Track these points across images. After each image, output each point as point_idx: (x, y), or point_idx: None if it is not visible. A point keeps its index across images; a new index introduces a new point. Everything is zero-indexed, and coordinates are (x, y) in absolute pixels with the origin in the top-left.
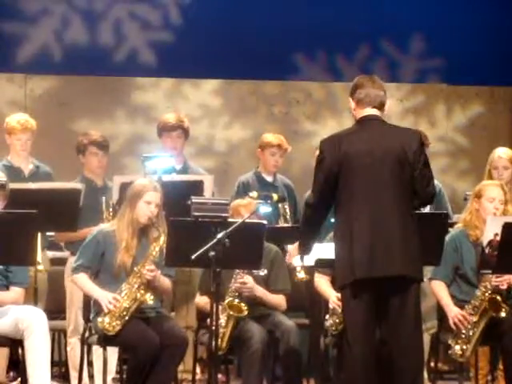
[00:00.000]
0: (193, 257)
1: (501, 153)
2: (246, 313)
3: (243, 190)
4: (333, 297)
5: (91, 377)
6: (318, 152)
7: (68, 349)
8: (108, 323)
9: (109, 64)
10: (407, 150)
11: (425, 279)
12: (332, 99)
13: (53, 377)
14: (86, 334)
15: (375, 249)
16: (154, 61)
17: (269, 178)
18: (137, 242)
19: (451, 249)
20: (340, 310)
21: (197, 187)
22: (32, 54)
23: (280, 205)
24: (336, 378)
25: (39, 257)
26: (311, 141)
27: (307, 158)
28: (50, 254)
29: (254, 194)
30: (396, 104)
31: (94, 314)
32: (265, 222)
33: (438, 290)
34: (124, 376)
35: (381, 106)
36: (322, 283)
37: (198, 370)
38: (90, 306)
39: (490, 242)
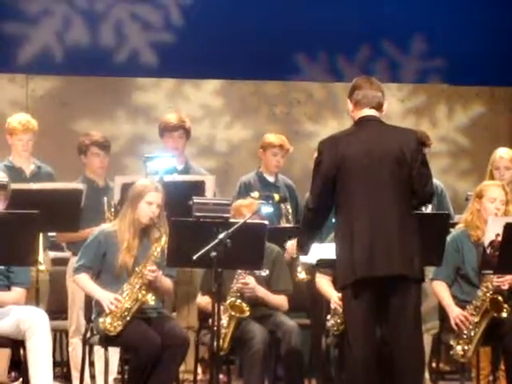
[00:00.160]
0: (194, 257)
1: (502, 153)
2: (247, 313)
3: (245, 191)
4: (334, 297)
5: (93, 377)
6: (316, 154)
7: (70, 349)
8: (109, 324)
9: (110, 64)
10: (405, 150)
11: (426, 279)
12: (333, 99)
13: (54, 377)
14: (88, 335)
15: (375, 248)
16: (155, 61)
17: (270, 179)
18: (138, 243)
19: (452, 249)
20: (341, 311)
21: (198, 187)
22: (33, 55)
23: (282, 205)
24: (338, 378)
25: (41, 257)
26: (312, 141)
27: (308, 159)
28: (52, 254)
29: (256, 194)
30: (397, 104)
31: (96, 314)
32: (266, 222)
33: (440, 290)
34: (125, 376)
35: (379, 107)
36: (324, 283)
37: (199, 370)
38: (92, 307)
39: (491, 243)
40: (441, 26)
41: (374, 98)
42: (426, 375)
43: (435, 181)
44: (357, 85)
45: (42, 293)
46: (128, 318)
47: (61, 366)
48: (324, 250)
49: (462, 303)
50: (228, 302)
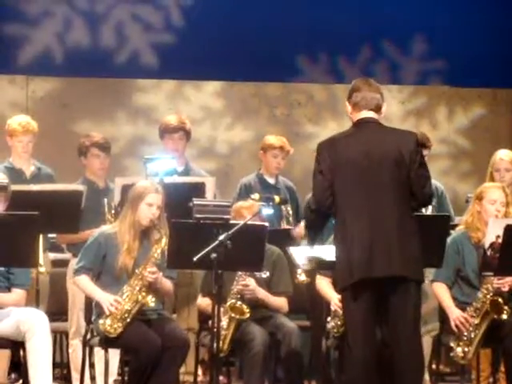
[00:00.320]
0: (195, 259)
1: (502, 155)
2: (248, 315)
3: (245, 192)
4: (334, 299)
5: (93, 379)
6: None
7: (70, 351)
8: (109, 325)
9: (110, 66)
10: (404, 152)
11: (426, 281)
12: (334, 101)
13: (54, 379)
14: (88, 336)
15: (374, 250)
16: (156, 63)
17: (271, 180)
18: (138, 244)
19: (453, 251)
20: (342, 312)
21: (198, 189)
22: (34, 56)
23: (282, 207)
24: (338, 380)
25: (40, 259)
26: (313, 143)
27: (309, 160)
28: (52, 255)
29: (256, 195)
30: (398, 106)
31: (96, 315)
32: (267, 224)
33: (440, 292)
34: (126, 378)
35: (377, 109)
36: (324, 285)
37: (199, 371)
38: (92, 308)
39: (491, 244)
40: (442, 27)
41: (373, 99)
42: (426, 377)
43: (435, 182)
44: (355, 87)
45: (42, 294)
46: (128, 320)
47: (61, 368)
48: (324, 251)
49: (462, 305)
50: (228, 303)
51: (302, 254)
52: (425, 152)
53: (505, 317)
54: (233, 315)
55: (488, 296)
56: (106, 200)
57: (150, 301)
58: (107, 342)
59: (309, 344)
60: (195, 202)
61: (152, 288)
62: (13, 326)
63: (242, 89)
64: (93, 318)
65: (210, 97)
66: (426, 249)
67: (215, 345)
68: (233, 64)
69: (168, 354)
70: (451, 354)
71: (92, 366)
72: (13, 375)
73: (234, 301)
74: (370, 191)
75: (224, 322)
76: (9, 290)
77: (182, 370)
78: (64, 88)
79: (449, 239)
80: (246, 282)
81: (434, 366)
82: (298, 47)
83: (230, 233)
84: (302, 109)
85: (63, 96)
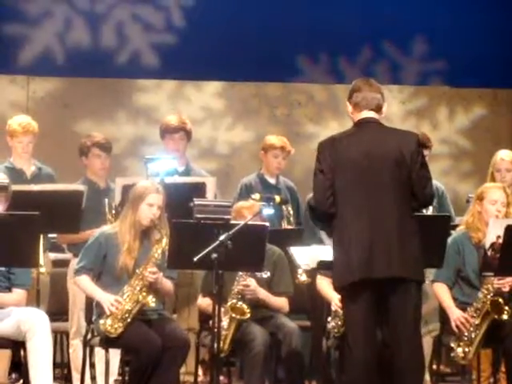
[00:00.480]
0: (195, 259)
1: (503, 155)
2: (248, 315)
3: (246, 192)
4: (335, 299)
5: (93, 379)
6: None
7: (70, 350)
8: (110, 325)
9: (111, 66)
10: (405, 152)
11: (427, 281)
12: (334, 101)
13: (55, 379)
14: (89, 336)
15: (374, 250)
16: (157, 63)
17: (272, 180)
18: (139, 244)
19: (453, 251)
20: (342, 312)
21: (199, 189)
22: (34, 56)
23: (283, 207)
24: (338, 380)
25: (41, 259)
26: (313, 143)
27: (309, 160)
28: (53, 255)
29: (257, 196)
30: (398, 106)
31: (96, 316)
32: (267, 224)
33: (440, 292)
34: (126, 378)
35: (378, 109)
36: (324, 285)
37: (200, 372)
38: (93, 308)
39: (492, 245)
40: (442, 27)
41: (373, 99)
42: (427, 377)
43: (436, 183)
44: (356, 87)
45: (43, 294)
46: (129, 320)
47: (61, 368)
48: (325, 251)
49: (462, 305)
50: (229, 304)
51: (303, 254)
52: (425, 152)
53: (505, 317)
54: (233, 315)
55: (488, 296)
56: (106, 200)
57: (151, 301)
58: (108, 342)
59: (309, 344)
60: (196, 202)
61: (152, 288)
62: (13, 326)
63: (243, 89)
64: (93, 318)
65: (210, 97)
66: (427, 249)
67: (216, 345)
68: (233, 64)
69: (168, 354)
70: (452, 355)
71: (92, 365)
72: (13, 375)
73: (234, 301)
74: (370, 191)
75: (224, 322)
76: (9, 290)
77: (183, 370)
78: (65, 88)
79: (449, 239)
80: (247, 282)
81: (434, 367)
82: (298, 47)
83: (230, 233)
84: (302, 109)
85: (64, 96)
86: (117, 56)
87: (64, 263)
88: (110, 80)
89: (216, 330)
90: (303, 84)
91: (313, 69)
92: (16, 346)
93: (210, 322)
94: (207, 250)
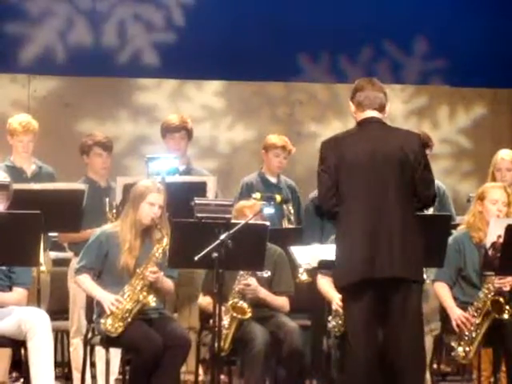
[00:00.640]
0: (196, 258)
1: (504, 155)
2: (249, 315)
3: (247, 192)
4: (336, 298)
5: (94, 378)
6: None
7: (71, 349)
8: (110, 325)
9: (112, 65)
10: (408, 152)
11: (428, 281)
12: (335, 100)
13: (55, 378)
14: (89, 335)
15: (377, 249)
16: (158, 62)
17: (273, 180)
18: (140, 244)
19: (454, 251)
20: (343, 312)
21: (200, 188)
22: (35, 55)
23: (284, 206)
24: (339, 379)
25: (41, 258)
26: (315, 142)
27: (311, 160)
28: (54, 254)
29: (258, 195)
30: (399, 105)
31: (97, 315)
32: (268, 223)
33: (441, 291)
34: (127, 377)
35: (381, 108)
36: (325, 284)
37: (200, 371)
38: (93, 307)
39: (492, 244)
40: (443, 27)
41: (376, 99)
42: (427, 376)
43: (437, 182)
44: (359, 86)
45: (44, 293)
46: (129, 319)
47: (62, 367)
48: (325, 251)
49: (463, 305)
50: (230, 303)
51: (303, 253)
52: (426, 151)
53: (506, 316)
54: (234, 315)
55: (489, 296)
56: (107, 199)
57: (151, 300)
58: (108, 342)
59: (309, 343)
60: (197, 202)
61: (153, 287)
62: (14, 325)
63: (244, 88)
64: (94, 317)
65: (211, 96)
66: (428, 248)
67: (216, 344)
68: (234, 63)
69: (169, 353)
70: (452, 354)
71: (93, 364)
72: (14, 374)
73: (235, 300)
74: (373, 190)
75: (225, 322)
76: (10, 289)
77: (183, 369)
78: (66, 87)
79: (450, 239)
80: (248, 282)
81: (435, 366)
82: (299, 46)
83: (231, 232)
84: (303, 108)
85: (65, 95)
86: (118, 55)
87: (65, 262)
88: (111, 79)
89: (217, 329)
90: (304, 83)
91: (314, 68)
92: (17, 344)
93: (211, 321)
94: (208, 249)
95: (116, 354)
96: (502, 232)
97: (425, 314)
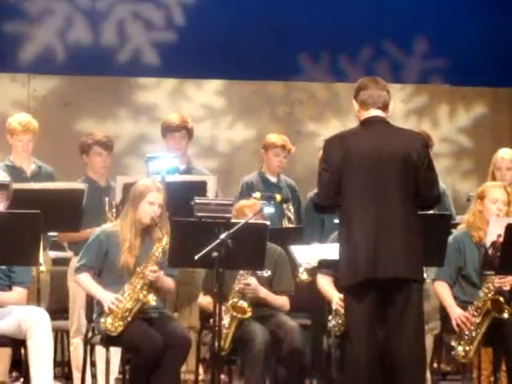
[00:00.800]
0: (196, 257)
1: (504, 154)
2: (249, 314)
3: (247, 191)
4: (336, 298)
5: (94, 377)
6: (321, 151)
7: (71, 349)
8: (110, 324)
9: (112, 64)
10: (411, 152)
11: (428, 280)
12: (335, 100)
13: (55, 377)
14: (89, 335)
15: (379, 250)
16: (157, 61)
17: (273, 179)
18: (140, 243)
19: (454, 250)
20: (343, 311)
21: (200, 188)
22: (35, 54)
23: (284, 205)
24: (339, 379)
25: (41, 257)
26: (315, 141)
27: (311, 159)
28: (53, 254)
29: (258, 194)
30: (399, 105)
31: (97, 314)
32: (268, 222)
33: (441, 290)
34: (127, 376)
35: (385, 107)
36: (325, 284)
37: (200, 370)
38: (93, 306)
39: (493, 243)
40: (443, 26)
41: (380, 97)
42: (427, 375)
43: None
44: (362, 85)
45: (43, 292)
46: (129, 319)
47: (62, 366)
48: (326, 250)
49: (463, 304)
50: (230, 302)
51: (303, 252)
52: None
53: (506, 316)
54: (234, 314)
55: (489, 295)
56: (107, 198)
57: (151, 299)
58: (108, 341)
59: (310, 343)
60: (197, 201)
61: (153, 287)
62: (14, 325)
63: (244, 87)
64: (94, 317)
65: (211, 95)
66: (428, 248)
67: (216, 343)
68: (234, 62)
69: (169, 353)
70: (452, 353)
71: (93, 364)
72: (14, 373)
73: (235, 299)
74: (376, 190)
75: (225, 321)
76: (10, 288)
77: (184, 368)
78: (65, 86)
79: (450, 238)
80: (248, 281)
81: (435, 365)
82: (299, 46)
83: (231, 231)
84: (303, 107)
85: (65, 94)
86: (117, 54)
87: (64, 261)
88: (111, 78)
89: (217, 328)
90: (304, 82)
91: (314, 67)
92: (17, 344)
93: (211, 321)
94: (208, 248)
95: (116, 353)
96: (502, 231)
97: (425, 313)
